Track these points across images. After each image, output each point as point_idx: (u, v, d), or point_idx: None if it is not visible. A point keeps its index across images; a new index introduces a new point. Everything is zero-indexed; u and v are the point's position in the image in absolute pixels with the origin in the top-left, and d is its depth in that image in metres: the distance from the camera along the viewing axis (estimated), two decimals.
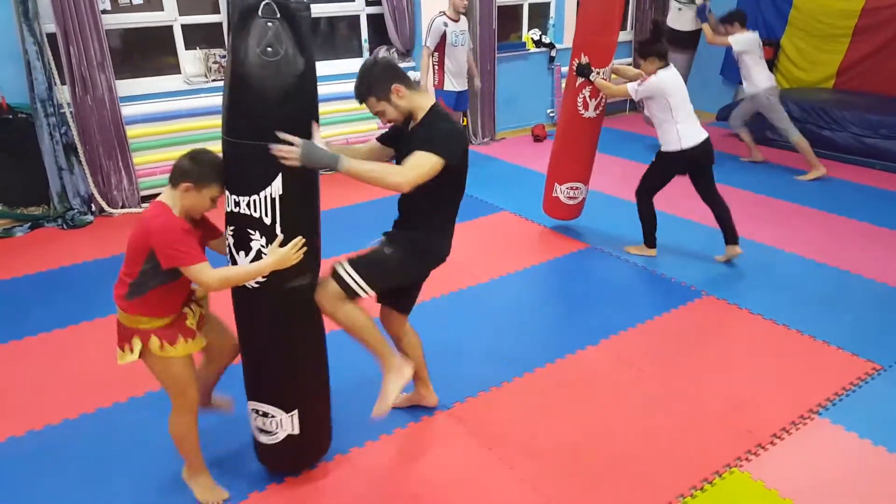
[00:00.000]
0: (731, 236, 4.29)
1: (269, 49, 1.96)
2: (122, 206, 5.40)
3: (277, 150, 2.01)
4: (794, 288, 4.01)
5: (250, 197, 2.09)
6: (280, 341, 2.29)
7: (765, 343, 3.46)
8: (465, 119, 7.06)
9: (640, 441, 2.76)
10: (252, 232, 2.13)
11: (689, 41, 6.18)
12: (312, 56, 2.07)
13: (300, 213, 2.17)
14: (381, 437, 2.78)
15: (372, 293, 2.38)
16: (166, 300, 2.19)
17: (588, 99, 4.37)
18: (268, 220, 2.11)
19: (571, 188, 4.68)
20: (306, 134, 2.09)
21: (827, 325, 3.56)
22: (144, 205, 5.46)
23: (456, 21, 5.64)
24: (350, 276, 2.31)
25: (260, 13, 1.95)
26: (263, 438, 2.44)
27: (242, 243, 2.15)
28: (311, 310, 2.33)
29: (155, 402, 2.93)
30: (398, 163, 2.37)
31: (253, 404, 2.40)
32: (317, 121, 2.16)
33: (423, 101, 2.36)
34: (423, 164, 2.21)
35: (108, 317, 3.66)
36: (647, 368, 3.25)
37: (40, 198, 5.14)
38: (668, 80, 4.03)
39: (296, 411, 2.37)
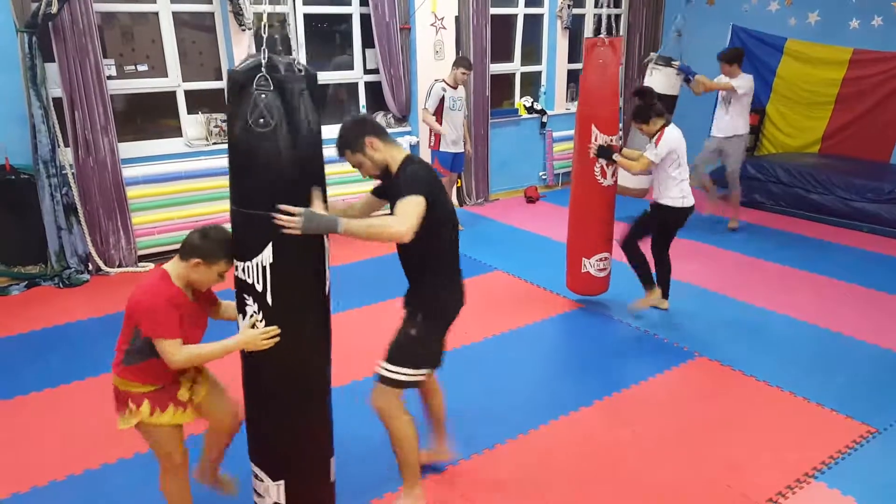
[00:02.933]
0: (649, 283, 4.42)
1: (261, 120, 1.99)
2: (119, 266, 5.43)
3: (279, 219, 2.02)
4: (787, 349, 4.03)
5: (245, 263, 2.12)
6: (276, 408, 2.27)
7: (758, 405, 3.45)
8: (459, 181, 7.20)
9: None
10: (247, 297, 2.15)
11: (665, 105, 6.32)
12: (312, 125, 2.08)
13: (295, 283, 2.15)
14: (373, 502, 2.74)
15: (425, 373, 2.44)
16: (161, 369, 2.19)
17: (605, 168, 4.35)
18: (259, 287, 2.11)
19: (601, 259, 4.54)
20: (304, 201, 2.10)
21: (820, 387, 3.56)
22: (142, 264, 5.49)
23: (454, 88, 5.85)
24: (394, 372, 2.38)
25: (255, 85, 1.99)
26: (256, 499, 2.43)
27: (241, 306, 2.18)
28: (311, 385, 2.31)
29: (144, 463, 2.89)
30: (389, 207, 2.44)
31: (251, 462, 2.40)
32: (320, 186, 2.17)
33: (397, 154, 2.43)
34: (411, 209, 2.24)
35: (101, 376, 3.66)
36: (640, 430, 3.23)
37: (38, 257, 5.18)
38: (677, 136, 4.14)
39: (282, 482, 2.32)
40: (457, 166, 6.18)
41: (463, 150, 6.17)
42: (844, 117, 7.09)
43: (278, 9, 2.26)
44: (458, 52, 6.88)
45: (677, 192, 4.17)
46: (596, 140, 4.29)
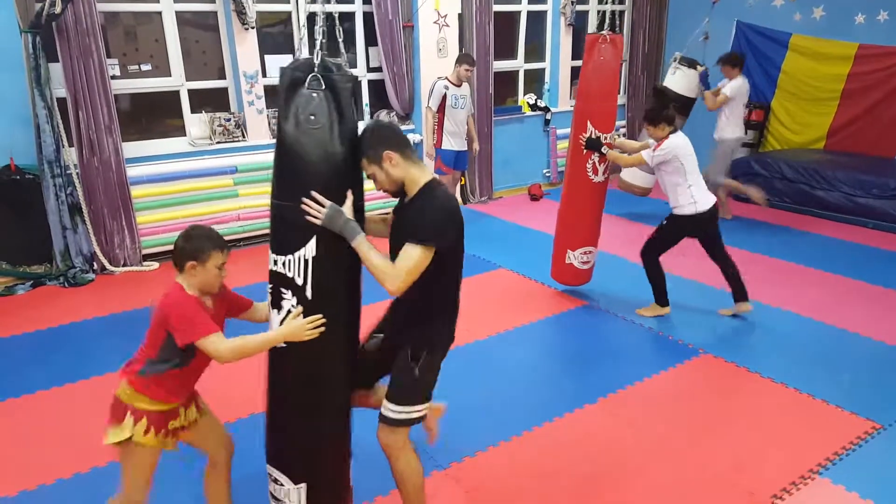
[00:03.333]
0: (740, 294, 4.36)
1: (312, 118, 2.06)
2: (124, 265, 5.45)
3: (307, 203, 2.06)
4: (792, 346, 4.02)
5: (286, 256, 2.14)
6: (301, 408, 2.25)
7: (763, 402, 3.44)
8: (462, 178, 7.20)
9: (639, 502, 2.72)
10: (285, 291, 2.16)
11: (681, 106, 6.32)
12: (355, 125, 2.17)
13: (333, 277, 2.17)
14: (377, 498, 2.75)
15: (426, 408, 2.37)
16: (174, 386, 2.20)
17: (597, 164, 4.40)
18: (300, 281, 2.13)
19: (584, 252, 4.65)
20: (340, 201, 2.13)
21: (825, 384, 3.55)
22: (146, 263, 5.51)
23: (457, 86, 5.85)
24: (397, 412, 2.30)
25: (307, 85, 2.07)
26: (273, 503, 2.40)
27: (276, 301, 2.19)
28: (336, 385, 2.30)
29: None
30: (394, 231, 2.34)
31: (268, 466, 2.37)
32: (357, 189, 2.20)
33: (418, 175, 2.26)
34: (409, 264, 2.15)
35: (105, 375, 3.68)
36: (645, 428, 3.23)
37: (43, 256, 5.20)
38: (681, 144, 4.11)
39: (304, 485, 2.30)
40: (460, 164, 6.18)
41: (466, 149, 6.16)
42: (850, 113, 7.06)
43: (327, 8, 2.30)
44: (461, 50, 6.88)
45: (686, 198, 4.14)
46: (591, 134, 4.33)
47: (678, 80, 6.37)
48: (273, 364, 2.27)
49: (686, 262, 4.95)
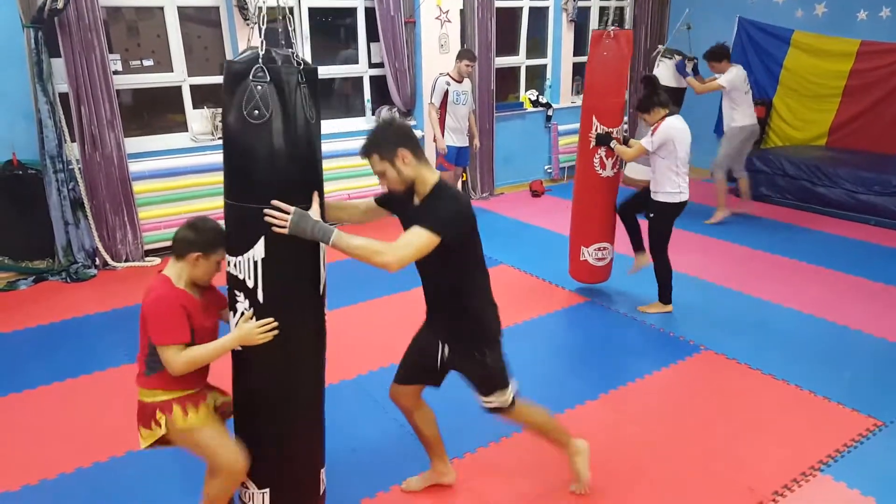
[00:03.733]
0: (668, 293, 4.45)
1: (256, 112, 1.95)
2: (126, 260, 5.45)
3: (269, 215, 1.97)
4: (793, 343, 4.02)
5: (236, 258, 2.07)
6: (264, 412, 2.20)
7: (764, 398, 3.45)
8: (464, 175, 7.20)
9: (641, 499, 2.73)
10: (238, 293, 2.10)
11: (672, 97, 6.33)
12: (310, 118, 2.04)
13: (287, 278, 2.10)
14: (378, 494, 2.75)
15: (515, 383, 2.56)
16: (183, 376, 2.16)
17: (605, 159, 4.40)
18: (250, 283, 2.06)
19: (599, 249, 4.62)
20: (300, 197, 2.04)
21: (826, 381, 3.56)
22: (148, 258, 5.52)
23: (459, 82, 5.84)
24: (499, 399, 2.51)
25: (251, 77, 1.95)
26: None
27: (231, 304, 2.14)
28: (302, 389, 2.25)
29: (153, 455, 2.91)
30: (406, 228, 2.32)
31: None
32: (316, 180, 2.12)
33: (428, 176, 2.26)
34: (414, 242, 2.12)
35: (107, 370, 3.69)
36: (646, 424, 3.24)
37: (45, 252, 5.20)
38: (678, 126, 4.13)
39: (267, 490, 2.26)
40: (462, 160, 6.17)
41: (468, 144, 6.16)
42: (851, 110, 7.04)
43: (280, 1, 2.22)
44: (462, 46, 6.87)
45: (672, 185, 4.17)
46: (596, 129, 4.33)
47: (662, 72, 6.42)
48: (236, 370, 2.22)
49: (684, 257, 4.96)
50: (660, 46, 6.43)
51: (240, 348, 2.12)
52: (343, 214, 2.50)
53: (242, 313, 2.09)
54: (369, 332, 4.11)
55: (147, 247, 5.53)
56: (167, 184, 5.53)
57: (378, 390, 3.46)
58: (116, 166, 5.24)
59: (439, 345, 2.48)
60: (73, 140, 5.14)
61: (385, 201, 2.50)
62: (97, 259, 5.35)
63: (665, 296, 4.44)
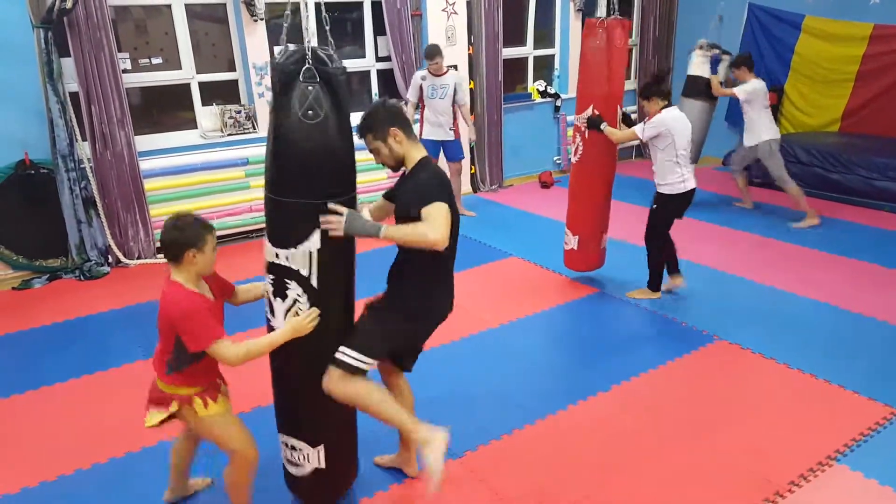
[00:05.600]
0: (654, 283, 4.45)
1: (310, 112, 2.07)
2: (139, 257, 5.49)
3: (325, 220, 2.15)
4: (808, 332, 3.99)
5: (288, 250, 2.20)
6: (310, 380, 2.34)
7: (779, 388, 3.42)
8: (473, 168, 7.18)
9: (655, 490, 2.72)
10: (289, 282, 2.23)
11: (707, 90, 6.26)
12: (349, 117, 2.20)
13: (336, 266, 2.27)
14: (392, 486, 2.76)
15: (372, 362, 2.37)
16: (202, 372, 2.30)
17: (613, 140, 4.38)
18: (305, 272, 2.21)
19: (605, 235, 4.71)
20: (349, 192, 2.24)
21: (842, 370, 3.52)
22: (160, 256, 5.54)
23: (437, 76, 5.80)
24: (346, 354, 2.32)
25: (301, 78, 2.06)
26: (292, 470, 2.53)
27: (280, 291, 2.26)
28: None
29: (166, 453, 2.93)
30: (397, 199, 2.47)
31: (283, 437, 2.49)
32: (355, 178, 2.29)
33: (414, 153, 2.43)
34: (442, 217, 2.26)
35: (123, 367, 3.72)
36: (660, 415, 3.22)
37: (58, 250, 5.25)
38: (673, 118, 4.10)
39: (322, 446, 2.44)
40: (451, 154, 6.09)
41: (451, 137, 6.03)
42: (865, 95, 6.95)
43: None
44: (470, 38, 6.85)
45: (675, 176, 4.15)
46: (592, 111, 4.30)
47: (700, 64, 6.34)
48: (280, 347, 2.31)
49: (697, 246, 4.93)
50: (700, 40, 6.37)
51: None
52: (379, 215, 2.65)
53: (295, 299, 2.23)
54: None
55: (159, 244, 5.55)
56: (178, 181, 5.56)
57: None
58: (127, 164, 5.27)
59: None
60: (84, 139, 5.18)
61: (391, 193, 2.61)
62: (110, 257, 5.39)
63: (654, 283, 4.46)
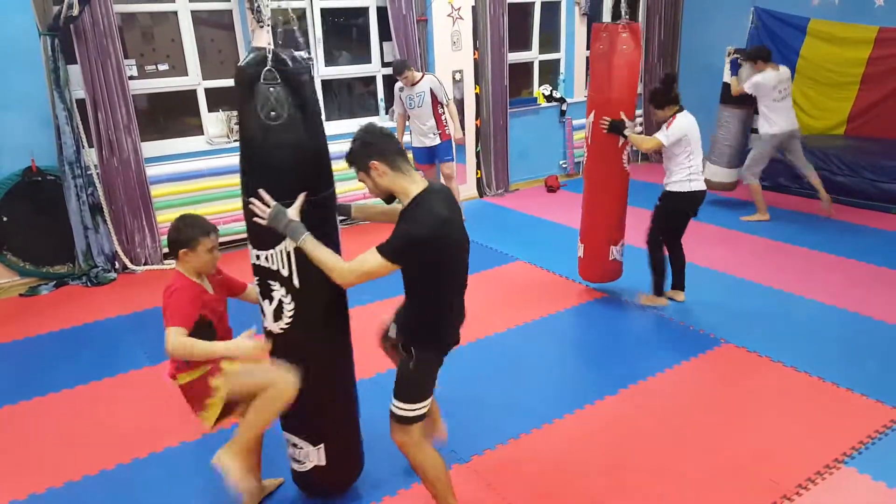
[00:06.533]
0: (681, 283, 4.43)
1: (272, 113, 2.07)
2: (145, 263, 5.51)
3: (253, 204, 2.15)
4: (815, 334, 3.97)
5: (267, 251, 2.23)
6: (310, 380, 2.36)
7: (786, 391, 3.41)
8: (478, 172, 7.18)
9: (663, 493, 2.71)
10: (272, 283, 2.26)
11: (743, 97, 6.26)
12: (317, 117, 2.20)
13: (315, 265, 2.24)
14: (399, 492, 2.76)
15: (426, 406, 2.38)
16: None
17: (630, 153, 4.37)
18: (285, 272, 2.23)
19: (622, 244, 4.55)
20: (322, 190, 2.24)
21: (849, 372, 3.51)
22: (167, 262, 5.57)
23: (411, 86, 5.77)
24: (400, 408, 2.34)
25: (262, 79, 2.06)
26: (295, 466, 2.59)
27: (266, 292, 2.30)
28: (337, 354, 2.49)
29: (174, 457, 2.94)
30: None
31: (286, 434, 2.54)
32: (324, 174, 2.28)
33: (409, 187, 2.23)
34: (365, 265, 2.16)
35: (130, 372, 3.73)
36: (667, 418, 3.21)
37: (65, 256, 5.27)
38: (691, 122, 4.11)
39: (322, 445, 2.49)
40: (441, 155, 6.06)
41: (437, 142, 5.98)
42: (870, 97, 6.92)
43: (293, 4, 2.31)
44: (475, 43, 6.85)
45: (683, 175, 4.14)
46: (611, 118, 4.23)
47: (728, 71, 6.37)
48: (276, 348, 2.38)
49: (704, 250, 4.91)
50: (729, 48, 6.40)
51: (280, 329, 2.32)
52: (360, 214, 2.58)
53: (280, 300, 2.26)
54: None
55: (166, 250, 5.58)
56: (184, 187, 5.58)
57: None
58: (134, 171, 5.30)
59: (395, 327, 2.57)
60: (90, 145, 5.20)
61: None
62: (117, 263, 5.41)
63: (657, 288, 4.43)
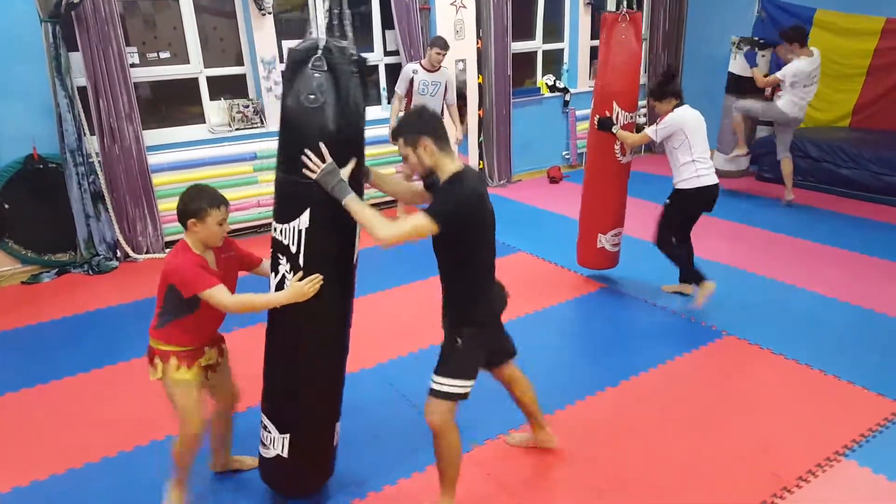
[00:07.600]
0: (693, 277, 4.32)
1: (311, 97, 2.16)
2: (147, 252, 5.51)
3: (307, 155, 2.18)
4: (816, 327, 3.96)
5: (283, 225, 2.29)
6: (290, 362, 2.40)
7: (788, 384, 3.41)
8: (481, 163, 7.16)
9: (664, 485, 2.71)
10: (281, 257, 2.32)
11: (750, 87, 6.22)
12: (358, 105, 2.25)
13: (324, 249, 2.30)
14: (399, 481, 2.77)
15: (466, 386, 2.41)
16: (188, 333, 2.42)
17: (625, 145, 4.35)
18: (293, 249, 2.28)
19: (615, 235, 4.59)
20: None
21: (850, 365, 3.50)
22: (168, 250, 5.56)
23: (430, 71, 5.70)
24: (443, 384, 2.38)
25: (310, 65, 2.17)
26: (262, 449, 2.57)
27: (274, 265, 2.37)
28: (327, 344, 2.46)
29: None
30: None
31: (262, 413, 2.54)
32: (359, 161, 2.33)
33: (448, 166, 2.37)
34: (411, 226, 2.24)
35: (132, 360, 3.73)
36: (668, 410, 3.21)
37: (67, 244, 5.28)
38: (686, 116, 4.07)
39: (288, 435, 2.46)
40: None
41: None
42: (876, 89, 6.88)
43: None
44: (478, 32, 6.82)
45: (689, 171, 4.09)
46: (601, 115, 4.28)
47: (739, 62, 6.32)
48: (270, 324, 2.44)
49: (706, 242, 4.90)
50: (733, 37, 6.34)
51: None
52: (378, 181, 2.61)
53: (283, 274, 2.31)
54: (389, 322, 4.12)
55: (167, 238, 5.58)
56: (186, 175, 5.56)
57: (398, 379, 3.48)
58: (135, 159, 5.29)
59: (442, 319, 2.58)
60: (92, 133, 5.19)
61: (429, 186, 2.60)
62: (118, 251, 5.42)
63: (691, 276, 4.34)
